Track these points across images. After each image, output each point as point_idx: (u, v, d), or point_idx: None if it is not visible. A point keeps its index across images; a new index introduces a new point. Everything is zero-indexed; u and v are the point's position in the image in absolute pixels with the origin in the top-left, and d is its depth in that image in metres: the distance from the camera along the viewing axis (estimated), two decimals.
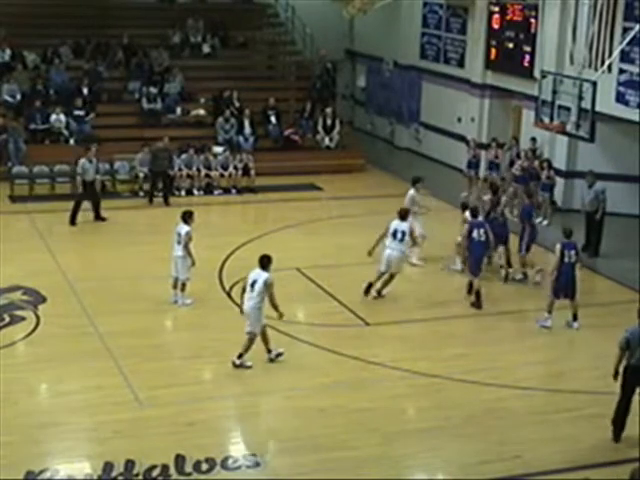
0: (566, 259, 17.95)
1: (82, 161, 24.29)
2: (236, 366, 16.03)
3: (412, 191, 21.49)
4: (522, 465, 13.35)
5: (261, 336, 16.10)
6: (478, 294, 19.16)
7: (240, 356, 16.03)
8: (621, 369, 13.87)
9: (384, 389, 15.60)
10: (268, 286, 15.77)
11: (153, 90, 30.45)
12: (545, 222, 24.93)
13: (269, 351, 16.26)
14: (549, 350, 17.34)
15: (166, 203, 25.90)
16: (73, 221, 23.97)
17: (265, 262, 15.95)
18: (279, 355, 16.35)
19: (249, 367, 16.05)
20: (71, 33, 32.30)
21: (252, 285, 15.85)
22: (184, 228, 18.48)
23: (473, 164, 27.68)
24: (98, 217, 24.34)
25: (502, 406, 15.15)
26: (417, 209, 21.42)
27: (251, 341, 16.00)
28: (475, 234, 19.25)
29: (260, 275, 15.85)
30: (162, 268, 19.28)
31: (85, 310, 18.38)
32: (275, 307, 15.99)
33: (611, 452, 13.74)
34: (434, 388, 15.73)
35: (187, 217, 18.64)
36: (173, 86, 31.02)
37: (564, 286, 18.10)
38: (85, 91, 29.77)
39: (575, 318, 18.34)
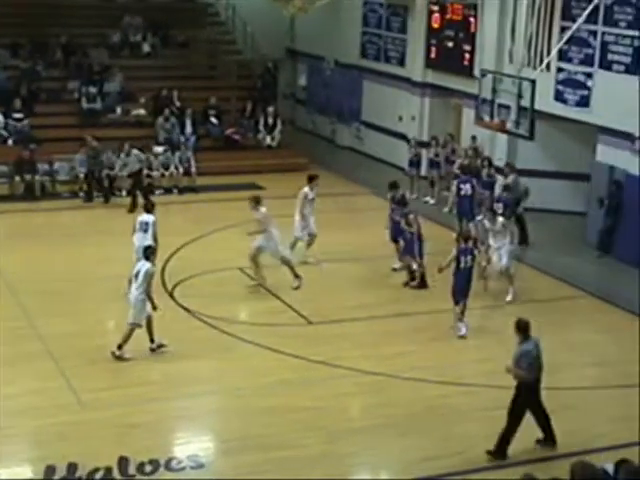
0: (462, 264, 17.70)
1: None
2: (116, 357, 16.17)
3: (306, 189, 21.46)
4: (464, 461, 13.44)
5: (146, 326, 16.40)
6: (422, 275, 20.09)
7: (119, 347, 16.21)
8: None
9: (328, 387, 15.63)
10: (147, 276, 16.19)
11: (92, 90, 30.18)
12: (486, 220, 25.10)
13: (152, 341, 16.51)
14: (491, 347, 17.43)
15: (105, 201, 26.16)
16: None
17: (148, 253, 16.73)
18: (161, 346, 16.55)
19: (128, 359, 16.18)
20: (8, 32, 31.88)
21: (136, 275, 16.35)
22: (151, 217, 18.95)
23: (414, 163, 27.84)
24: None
25: (445, 403, 15.26)
26: (309, 208, 21.41)
27: (132, 332, 16.26)
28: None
29: (143, 265, 16.38)
30: (104, 269, 19.14)
31: (25, 312, 18.18)
32: (149, 298, 16.31)
33: (549, 447, 13.87)
34: (378, 386, 15.79)
35: (150, 207, 19.26)
36: (113, 85, 30.79)
37: (460, 291, 17.84)
38: (23, 91, 29.45)
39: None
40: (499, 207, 20.52)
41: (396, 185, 21.25)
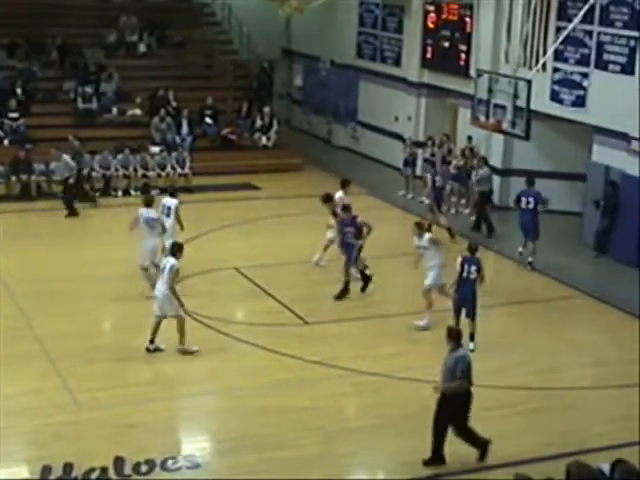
0: (465, 274, 17.17)
1: None
2: (182, 352, 16.42)
3: (340, 193, 21.24)
4: (460, 462, 13.41)
5: (154, 324, 16.51)
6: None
7: (181, 342, 16.46)
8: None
9: (325, 387, 15.62)
10: (173, 272, 16.29)
11: (89, 90, 30.17)
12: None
13: (151, 341, 16.58)
14: (486, 347, 17.40)
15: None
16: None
17: (175, 249, 16.71)
18: (158, 350, 16.61)
19: (195, 351, 16.47)
20: (4, 32, 31.86)
21: (162, 271, 16.51)
22: (174, 201, 19.60)
23: (410, 163, 27.85)
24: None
25: None
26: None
27: (182, 324, 16.46)
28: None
29: (168, 261, 16.50)
30: (100, 269, 19.09)
31: (22, 312, 18.15)
32: (175, 294, 16.42)
33: (546, 447, 13.85)
34: (374, 386, 15.77)
35: (173, 191, 20.23)
36: (109, 86, 30.77)
37: (461, 302, 17.29)
38: (19, 91, 29.42)
39: (472, 338, 16.98)
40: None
41: (329, 198, 20.88)
